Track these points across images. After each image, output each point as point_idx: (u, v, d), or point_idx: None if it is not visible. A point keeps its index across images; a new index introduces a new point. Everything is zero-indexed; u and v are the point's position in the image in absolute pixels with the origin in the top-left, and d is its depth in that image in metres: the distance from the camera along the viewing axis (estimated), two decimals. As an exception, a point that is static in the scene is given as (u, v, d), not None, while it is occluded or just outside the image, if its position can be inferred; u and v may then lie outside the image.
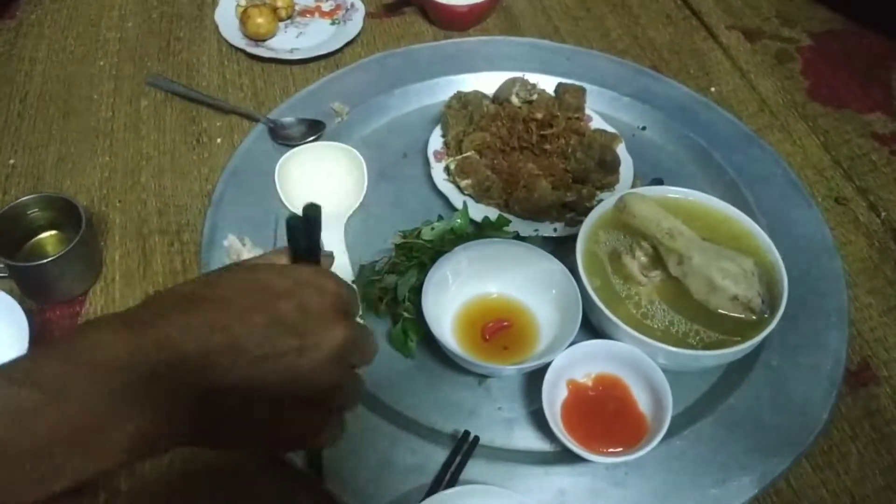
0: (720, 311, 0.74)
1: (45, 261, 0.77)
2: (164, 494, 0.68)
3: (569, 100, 0.95)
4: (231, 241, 0.83)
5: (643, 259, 0.78)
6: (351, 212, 0.88)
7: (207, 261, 0.82)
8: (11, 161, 0.94)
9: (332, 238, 0.84)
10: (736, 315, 0.74)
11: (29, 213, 0.81)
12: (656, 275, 0.77)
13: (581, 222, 0.86)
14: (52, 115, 1.00)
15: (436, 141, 0.94)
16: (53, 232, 0.83)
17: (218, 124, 0.98)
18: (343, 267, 0.82)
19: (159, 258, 0.85)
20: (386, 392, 0.75)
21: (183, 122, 0.99)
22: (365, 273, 0.81)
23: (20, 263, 0.76)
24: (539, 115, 0.91)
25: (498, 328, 0.78)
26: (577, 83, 0.98)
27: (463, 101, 0.95)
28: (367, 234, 0.87)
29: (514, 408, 0.75)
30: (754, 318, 0.74)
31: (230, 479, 0.69)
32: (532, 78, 0.99)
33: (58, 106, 1.01)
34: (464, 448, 0.70)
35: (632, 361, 0.73)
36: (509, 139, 0.90)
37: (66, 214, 0.81)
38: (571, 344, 0.72)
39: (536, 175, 0.85)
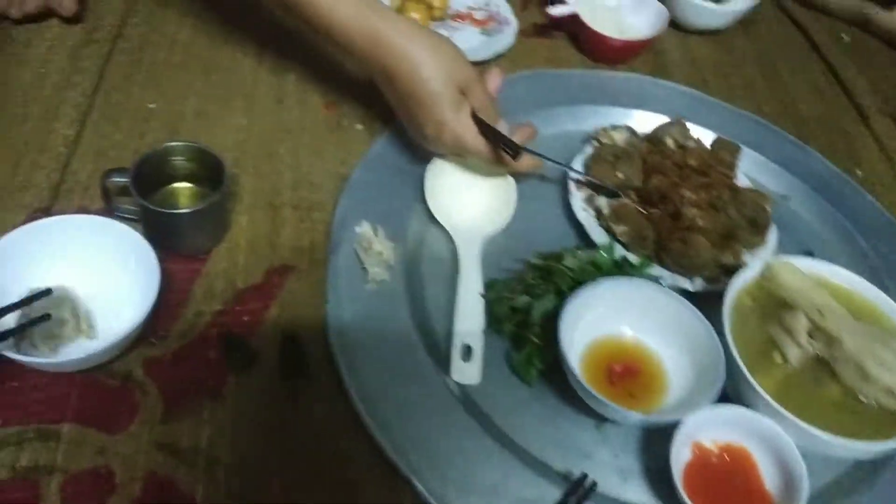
0: (870, 401, 0.70)
1: (183, 210, 0.75)
2: (261, 474, 0.65)
3: (723, 155, 0.91)
4: (364, 228, 0.81)
5: (788, 331, 0.74)
6: (495, 232, 0.85)
7: (337, 243, 0.80)
8: (152, 105, 0.93)
9: (469, 253, 0.82)
10: (888, 407, 0.70)
11: (172, 159, 0.79)
12: (802, 349, 0.73)
13: (719, 280, 0.83)
14: (196, 69, 0.99)
15: (578, 167, 0.91)
16: (187, 184, 0.82)
17: (360, 111, 0.97)
18: (474, 279, 0.79)
19: (288, 230, 0.83)
20: (500, 416, 0.72)
21: (326, 102, 0.98)
22: (496, 288, 0.78)
23: (159, 209, 0.74)
24: (693, 163, 0.88)
25: (626, 373, 0.74)
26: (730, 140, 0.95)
27: (612, 136, 0.92)
28: (496, 248, 0.84)
29: (631, 459, 0.72)
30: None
31: (331, 472, 0.66)
32: (680, 124, 0.96)
33: (202, 60, 1.01)
34: (579, 491, 0.67)
35: (766, 435, 0.69)
36: (662, 183, 0.87)
37: (205, 168, 0.79)
38: (704, 405, 0.69)
39: (695, 228, 0.82)
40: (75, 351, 0.69)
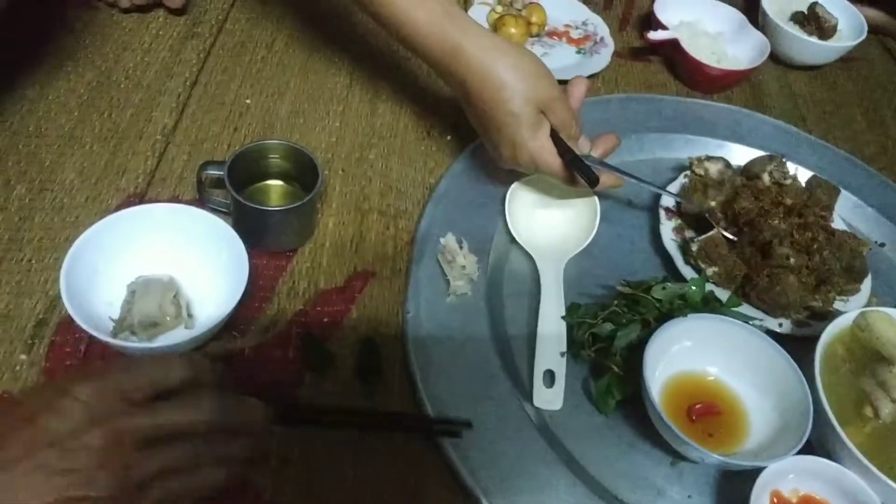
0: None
1: (275, 208, 0.76)
2: (331, 474, 0.65)
3: (821, 195, 0.89)
4: (448, 240, 0.80)
5: (882, 385, 0.71)
6: (575, 253, 0.84)
7: (420, 254, 0.80)
8: (248, 101, 0.95)
9: (550, 274, 0.81)
10: None
11: (267, 156, 0.80)
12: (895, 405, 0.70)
13: (808, 324, 0.80)
14: (293, 69, 1.00)
15: (669, 197, 0.89)
16: (279, 182, 0.83)
17: (450, 121, 0.96)
18: (555, 302, 0.78)
19: (374, 237, 0.83)
20: (574, 443, 0.71)
21: (417, 110, 0.98)
22: (578, 313, 0.76)
23: (249, 204, 0.75)
24: (789, 201, 0.85)
25: (707, 412, 0.72)
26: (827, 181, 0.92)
27: (706, 167, 0.90)
28: (577, 270, 0.83)
29: (706, 499, 0.69)
30: None
31: (399, 479, 0.66)
32: (774, 161, 0.94)
33: (300, 60, 1.02)
34: (651, 529, 0.65)
35: (850, 490, 0.66)
36: (757, 217, 0.85)
37: (299, 168, 0.80)
38: (786, 453, 0.66)
39: (785, 266, 0.79)
40: (167, 340, 0.70)
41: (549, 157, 0.80)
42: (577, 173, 0.79)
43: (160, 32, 1.01)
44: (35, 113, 0.88)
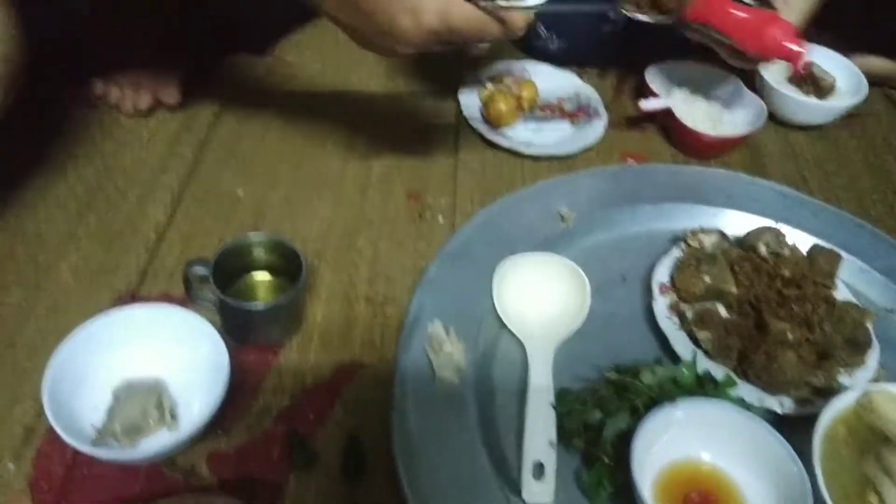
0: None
1: (258, 306, 0.76)
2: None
3: (821, 264, 0.86)
4: (435, 328, 0.79)
5: (887, 470, 0.68)
6: (566, 337, 0.82)
7: (407, 342, 0.79)
8: (240, 191, 0.96)
9: (540, 360, 0.79)
10: None
11: (252, 250, 0.81)
12: (903, 493, 0.67)
13: (811, 402, 0.78)
14: (286, 157, 1.02)
15: (662, 272, 0.88)
16: (265, 274, 0.83)
17: (442, 202, 0.97)
18: (545, 389, 0.76)
19: (360, 327, 0.82)
20: (565, 536, 0.68)
21: (408, 192, 0.98)
22: (568, 399, 0.75)
23: (233, 303, 0.76)
24: (787, 273, 0.83)
25: (704, 502, 0.69)
26: (830, 247, 0.90)
27: (701, 240, 0.88)
28: (569, 352, 0.82)
29: None
30: None
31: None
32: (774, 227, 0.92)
33: (293, 148, 1.03)
34: None
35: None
36: (750, 292, 0.83)
37: (285, 260, 0.80)
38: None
39: (783, 342, 0.77)
40: (151, 445, 0.70)
41: (457, 5, 0.69)
42: (493, 12, 0.70)
43: (158, 129, 1.04)
44: (35, 215, 0.91)
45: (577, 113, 1.12)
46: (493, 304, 0.84)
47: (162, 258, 0.87)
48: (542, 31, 1.20)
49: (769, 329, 0.79)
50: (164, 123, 1.05)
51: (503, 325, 0.83)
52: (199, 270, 0.78)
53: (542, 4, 0.73)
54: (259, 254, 0.81)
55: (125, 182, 0.96)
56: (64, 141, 1.00)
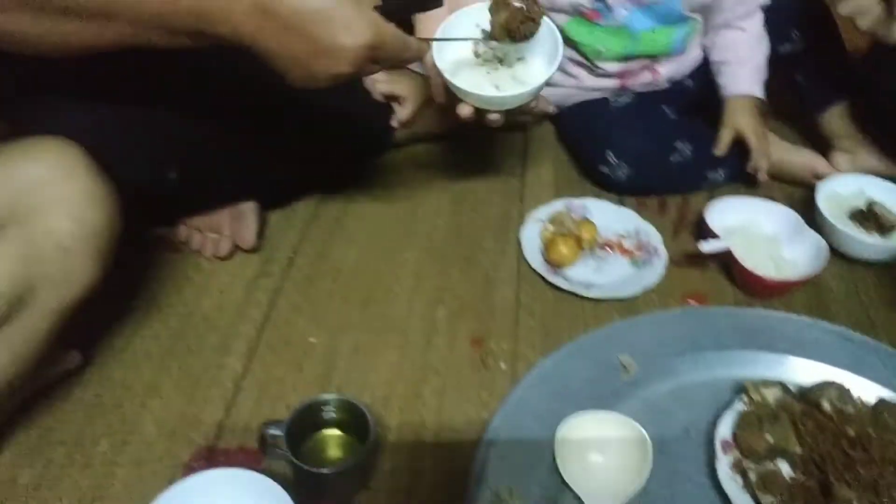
0: None
1: (326, 470, 0.79)
2: None
3: (888, 420, 0.85)
4: (499, 489, 0.81)
5: None
6: (630, 496, 0.83)
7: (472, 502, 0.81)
8: (313, 339, 1.01)
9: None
10: None
11: (322, 409, 0.85)
12: None
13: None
14: (355, 301, 1.07)
15: (725, 428, 0.88)
16: (337, 432, 0.87)
17: (504, 347, 1.00)
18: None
19: (426, 487, 0.85)
20: None
21: (471, 338, 1.01)
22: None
23: (305, 466, 0.79)
24: (852, 432, 0.83)
25: None
26: (896, 399, 0.89)
27: (763, 394, 0.89)
28: (635, 512, 0.82)
29: None
30: None
31: None
32: (839, 376, 0.91)
33: (362, 291, 1.08)
34: None
35: None
36: (814, 452, 0.82)
37: (354, 418, 0.84)
38: None
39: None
40: None
41: (385, 24, 0.75)
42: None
43: (236, 273, 1.10)
44: (123, 363, 0.97)
45: (636, 250, 1.15)
46: (555, 462, 0.85)
47: (238, 410, 0.92)
48: (612, 158, 1.24)
49: (834, 494, 0.78)
50: (241, 267, 1.11)
51: (564, 484, 0.84)
52: (274, 431, 0.82)
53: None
54: (329, 413, 0.85)
55: (205, 328, 1.02)
56: (149, 288, 1.06)
